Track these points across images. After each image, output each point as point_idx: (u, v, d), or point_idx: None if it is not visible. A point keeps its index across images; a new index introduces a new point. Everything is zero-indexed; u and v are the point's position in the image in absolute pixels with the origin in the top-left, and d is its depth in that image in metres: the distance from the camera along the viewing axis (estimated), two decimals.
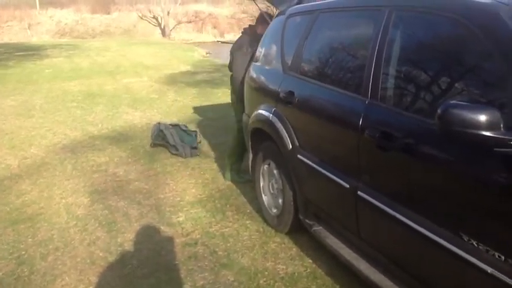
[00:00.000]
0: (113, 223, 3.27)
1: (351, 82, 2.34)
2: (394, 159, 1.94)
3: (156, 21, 30.67)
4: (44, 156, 4.83)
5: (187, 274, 2.64)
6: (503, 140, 1.45)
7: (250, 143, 3.40)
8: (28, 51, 16.71)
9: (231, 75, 3.99)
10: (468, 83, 1.74)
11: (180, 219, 3.33)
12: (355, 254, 2.32)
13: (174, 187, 3.94)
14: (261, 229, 3.15)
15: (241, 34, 4.04)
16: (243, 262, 2.75)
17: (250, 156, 3.44)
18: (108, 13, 30.81)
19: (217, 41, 27.16)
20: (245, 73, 3.62)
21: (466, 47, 1.75)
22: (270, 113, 2.95)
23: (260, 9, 4.36)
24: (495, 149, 1.47)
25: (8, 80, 10.22)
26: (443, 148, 1.69)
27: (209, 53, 18.32)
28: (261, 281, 2.56)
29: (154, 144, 5.01)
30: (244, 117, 3.53)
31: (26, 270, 2.71)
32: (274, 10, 4.97)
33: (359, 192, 2.10)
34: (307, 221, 2.73)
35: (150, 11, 30.80)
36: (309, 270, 2.65)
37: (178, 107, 7.27)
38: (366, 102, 2.09)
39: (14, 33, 26.94)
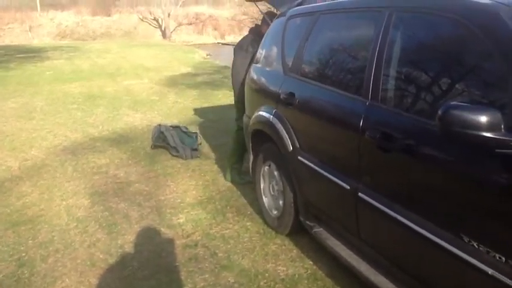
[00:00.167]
0: (114, 225, 3.27)
1: (352, 83, 2.34)
2: (395, 161, 1.93)
3: (156, 23, 30.73)
4: (44, 158, 4.83)
5: (188, 276, 2.64)
6: (504, 141, 1.44)
7: (250, 144, 3.39)
8: (29, 53, 16.74)
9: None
10: (469, 83, 1.74)
11: (181, 220, 3.32)
12: (356, 256, 2.32)
13: (175, 189, 3.94)
14: (262, 231, 3.15)
15: (247, 33, 4.04)
16: (244, 264, 2.75)
17: (251, 157, 3.44)
18: (109, 15, 30.85)
19: (218, 43, 27.17)
20: (245, 74, 3.62)
21: (466, 47, 1.75)
22: (271, 115, 2.95)
23: (261, 11, 4.36)
24: (496, 150, 1.46)
25: (8, 82, 10.23)
26: (443, 149, 1.69)
27: (210, 55, 18.33)
28: (262, 283, 2.55)
29: (154, 146, 5.01)
30: (245, 119, 3.52)
31: (26, 272, 2.71)
32: (276, 11, 4.96)
33: (360, 194, 2.10)
34: (307, 222, 2.73)
35: (150, 13, 30.86)
36: (309, 271, 2.65)
37: (178, 109, 7.27)
38: (367, 103, 2.09)
39: (15, 36, 26.98)
